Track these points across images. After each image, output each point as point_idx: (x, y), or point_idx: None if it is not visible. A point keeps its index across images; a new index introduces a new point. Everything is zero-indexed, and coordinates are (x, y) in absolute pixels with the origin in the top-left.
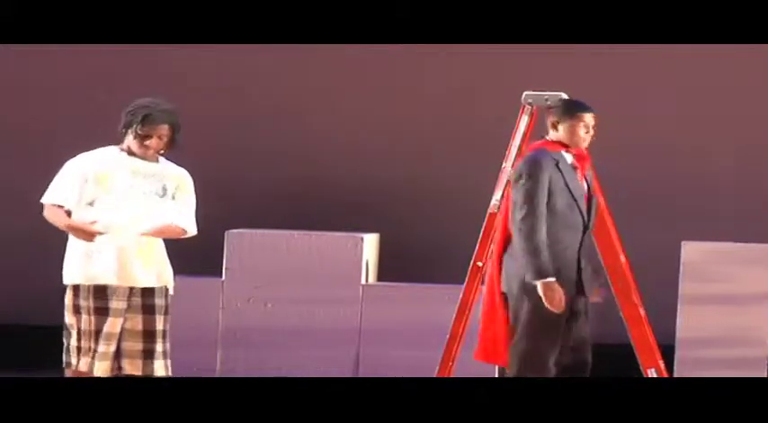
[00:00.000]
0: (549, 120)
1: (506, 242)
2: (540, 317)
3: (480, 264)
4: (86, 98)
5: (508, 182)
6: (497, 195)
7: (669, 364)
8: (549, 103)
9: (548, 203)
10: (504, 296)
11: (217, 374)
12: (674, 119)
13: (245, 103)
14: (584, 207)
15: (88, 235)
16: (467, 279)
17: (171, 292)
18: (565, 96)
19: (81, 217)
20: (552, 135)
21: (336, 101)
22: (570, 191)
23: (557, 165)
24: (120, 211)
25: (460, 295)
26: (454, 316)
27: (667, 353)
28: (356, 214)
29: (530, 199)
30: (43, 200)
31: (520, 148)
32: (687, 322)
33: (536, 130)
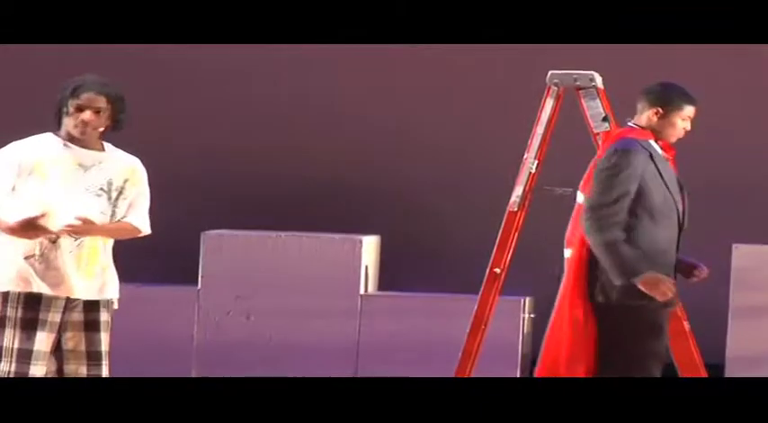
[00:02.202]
0: (648, 105)
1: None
2: (643, 324)
3: (498, 270)
4: None
5: (531, 176)
6: (518, 191)
7: None
8: (578, 83)
9: (643, 202)
10: (596, 307)
11: None
12: (726, 115)
13: (240, 101)
14: (679, 203)
15: (46, 232)
16: (482, 288)
17: (115, 306)
18: (597, 76)
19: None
20: (643, 121)
21: (335, 99)
22: (666, 185)
23: (650, 156)
24: (54, 209)
25: (475, 307)
26: (468, 330)
27: (715, 373)
28: (354, 214)
29: (611, 191)
30: None
31: (544, 137)
32: (738, 338)
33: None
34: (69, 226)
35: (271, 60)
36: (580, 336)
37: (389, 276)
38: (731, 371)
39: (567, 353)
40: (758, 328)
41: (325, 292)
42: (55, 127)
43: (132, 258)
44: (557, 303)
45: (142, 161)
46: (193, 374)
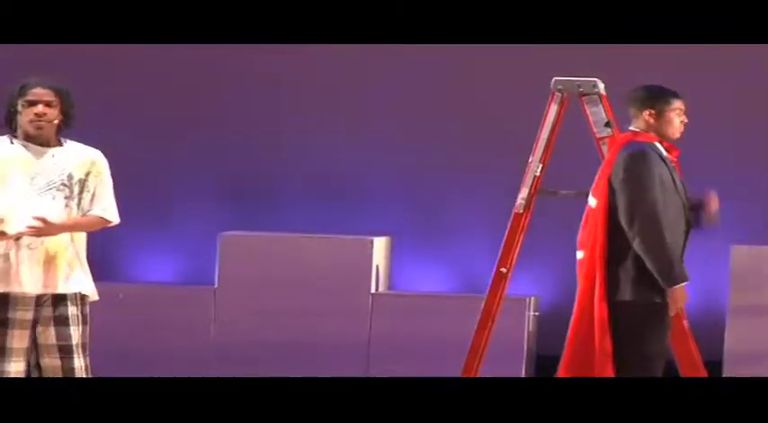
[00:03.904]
0: (639, 109)
1: (610, 248)
2: (660, 323)
3: (504, 270)
4: (84, 98)
5: (535, 179)
6: (523, 194)
7: None
8: (581, 90)
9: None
10: (612, 306)
11: None
12: (725, 116)
13: (243, 101)
14: (688, 206)
15: (4, 236)
16: (489, 287)
17: (94, 298)
18: (600, 82)
19: None
20: (641, 125)
21: (341, 101)
22: (677, 189)
23: (661, 159)
24: (15, 210)
25: (482, 305)
26: (476, 328)
27: (714, 371)
28: (365, 215)
29: (646, 198)
30: None
31: (549, 141)
32: (736, 336)
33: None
34: (29, 227)
35: (274, 61)
36: (606, 335)
37: (399, 275)
38: (729, 368)
39: (597, 353)
40: (755, 326)
41: (338, 292)
42: (10, 132)
43: (150, 259)
44: (576, 304)
45: (161, 163)
46: (210, 372)
